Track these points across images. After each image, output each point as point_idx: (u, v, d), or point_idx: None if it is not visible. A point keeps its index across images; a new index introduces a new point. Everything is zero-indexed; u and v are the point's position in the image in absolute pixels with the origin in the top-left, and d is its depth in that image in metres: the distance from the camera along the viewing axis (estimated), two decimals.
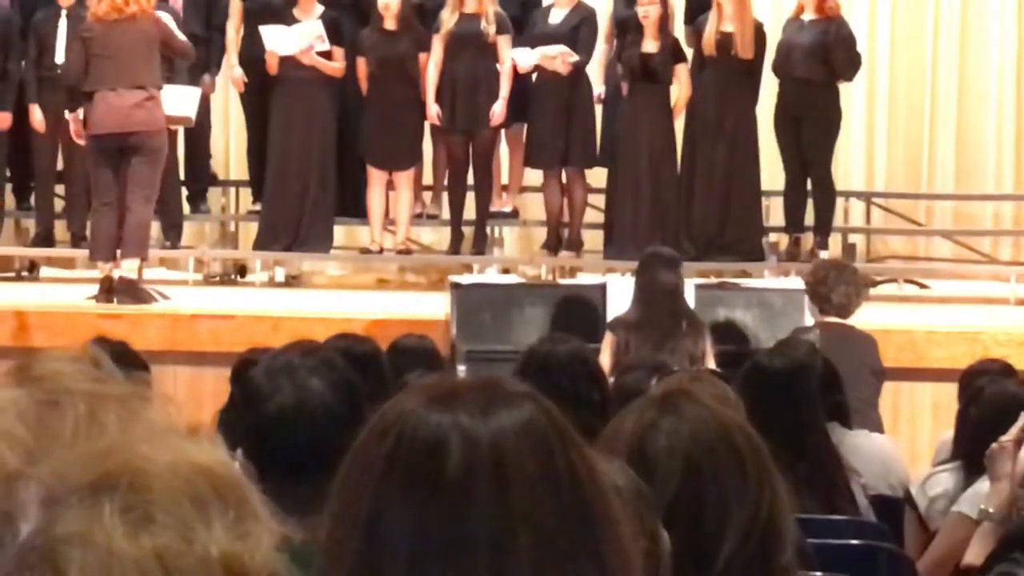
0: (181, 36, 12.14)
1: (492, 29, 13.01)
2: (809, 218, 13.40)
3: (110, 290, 11.51)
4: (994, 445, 5.40)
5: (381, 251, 13.45)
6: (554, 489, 1.77)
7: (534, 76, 13.13)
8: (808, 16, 13.19)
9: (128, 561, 1.02)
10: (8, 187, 13.75)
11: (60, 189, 13.56)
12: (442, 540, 1.72)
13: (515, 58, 12.99)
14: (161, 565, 1.03)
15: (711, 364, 8.92)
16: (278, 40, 13.03)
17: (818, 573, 4.31)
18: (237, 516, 1.08)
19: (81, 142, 11.74)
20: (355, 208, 13.49)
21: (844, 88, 13.48)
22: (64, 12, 12.82)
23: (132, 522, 1.04)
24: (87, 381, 1.10)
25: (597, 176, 13.46)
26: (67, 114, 11.90)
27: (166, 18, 12.12)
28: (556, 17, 13.24)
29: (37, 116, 13.10)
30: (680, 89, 13.09)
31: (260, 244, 13.58)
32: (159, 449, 1.08)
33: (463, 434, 1.76)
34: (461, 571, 1.71)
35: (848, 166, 14.36)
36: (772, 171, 13.44)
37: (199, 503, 1.06)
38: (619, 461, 2.55)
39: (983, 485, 5.54)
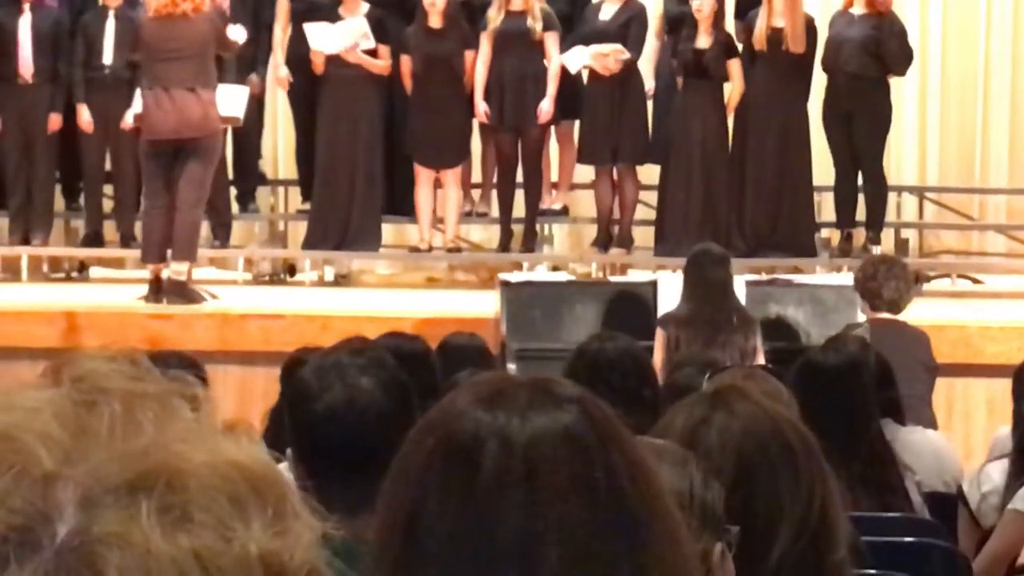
0: (236, 34, 12.22)
1: (539, 26, 13.03)
2: (861, 213, 13.39)
3: (160, 290, 11.56)
4: None
5: (430, 249, 13.49)
6: (589, 498, 1.75)
7: (585, 73, 13.12)
8: (858, 10, 13.19)
9: (166, 561, 1.01)
10: (58, 188, 13.80)
11: (108, 189, 13.58)
12: (472, 546, 1.71)
13: (565, 62, 13.02)
14: (200, 564, 1.02)
15: (761, 360, 8.93)
16: (323, 38, 13.08)
17: (872, 571, 4.30)
18: (276, 514, 1.07)
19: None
20: (404, 206, 13.53)
21: (895, 82, 13.48)
22: (112, 13, 12.86)
23: (170, 522, 1.03)
24: (124, 380, 1.09)
25: (648, 172, 13.46)
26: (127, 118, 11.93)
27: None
28: (606, 14, 13.25)
29: (85, 117, 13.13)
30: (733, 85, 13.10)
31: (309, 243, 13.62)
32: (196, 448, 1.07)
33: (500, 436, 1.74)
34: (489, 572, 1.70)
35: (900, 161, 14.34)
36: (823, 166, 13.41)
37: (237, 501, 1.05)
38: (678, 466, 2.52)
39: None
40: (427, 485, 1.75)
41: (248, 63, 13.34)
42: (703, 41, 12.96)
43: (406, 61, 13.23)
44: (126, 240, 13.04)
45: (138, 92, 11.62)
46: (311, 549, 1.08)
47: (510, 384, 1.85)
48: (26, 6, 13.21)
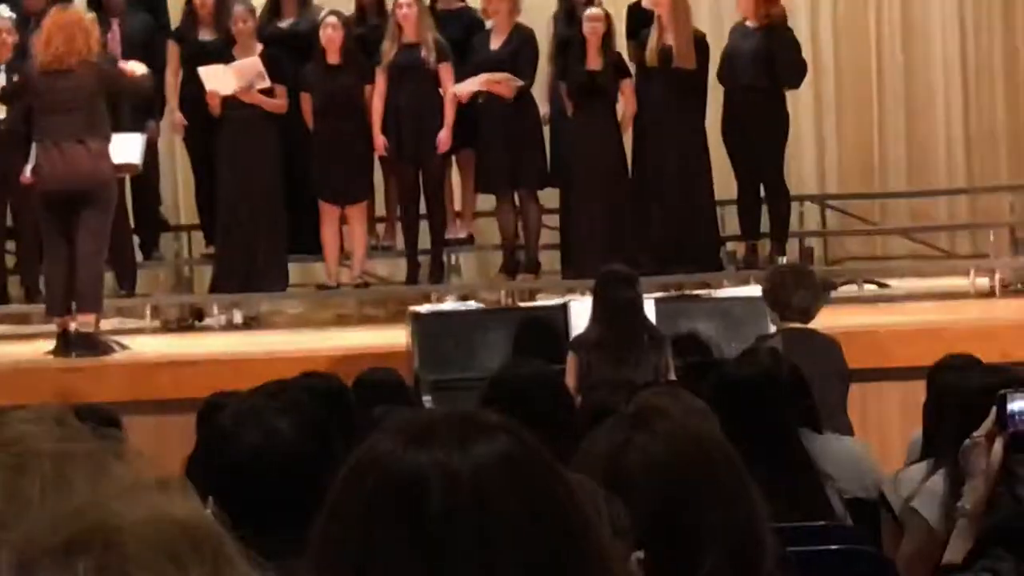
0: (135, 68, 12.16)
1: (432, 58, 13.07)
2: (764, 225, 13.46)
3: (68, 343, 11.49)
4: (967, 442, 5.41)
5: (338, 286, 13.49)
6: (537, 520, 1.76)
7: (480, 100, 13.14)
8: (752, 23, 13.26)
9: None
10: None
11: (11, 245, 13.51)
12: None
13: (459, 89, 13.05)
14: None
15: (672, 377, 8.95)
16: (218, 80, 13.07)
17: None
18: (214, 567, 1.07)
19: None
20: (310, 244, 13.50)
21: (792, 93, 13.53)
22: (4, 66, 12.80)
23: None
24: (53, 441, 1.09)
25: (550, 196, 13.47)
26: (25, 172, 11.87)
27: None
28: (496, 42, 13.30)
29: None
30: (625, 104, 13.17)
31: (215, 287, 13.59)
32: (131, 505, 1.07)
33: (443, 471, 1.75)
34: None
35: (800, 170, 14.43)
36: (724, 180, 13.46)
37: (175, 558, 1.06)
38: (591, 483, 2.53)
39: (941, 481, 5.59)
40: (371, 532, 1.74)
41: (144, 110, 13.31)
42: (594, 63, 13.01)
43: (306, 99, 13.22)
44: (31, 295, 12.94)
45: (34, 146, 11.55)
46: None
47: (437, 420, 1.86)
48: None
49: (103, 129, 11.47)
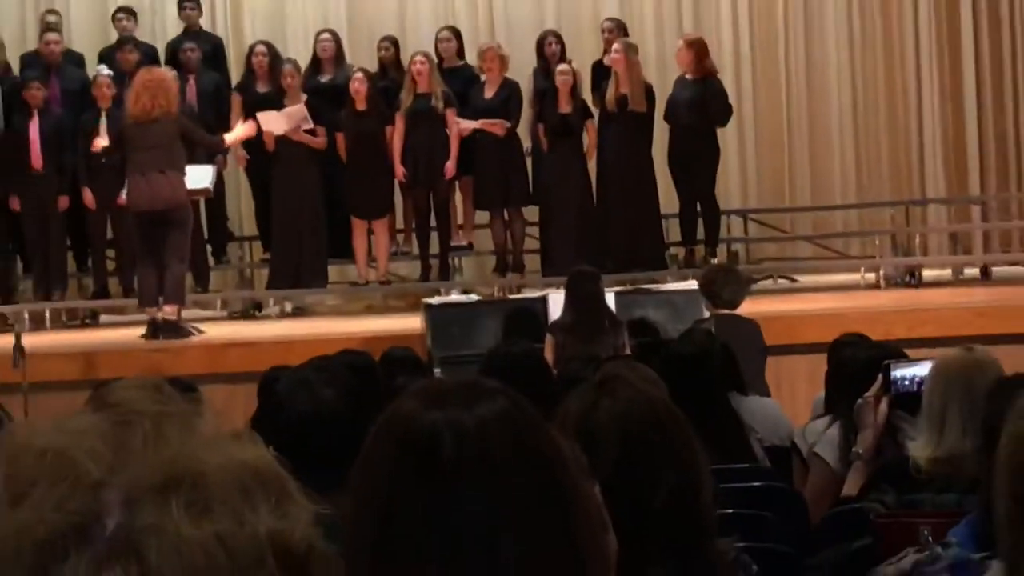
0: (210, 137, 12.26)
1: (440, 105, 13.09)
2: (700, 233, 13.48)
3: (157, 329, 11.50)
4: (859, 401, 5.42)
5: (367, 283, 13.53)
6: (530, 466, 1.76)
7: (477, 136, 13.15)
8: (688, 75, 13.29)
9: (194, 544, 1.02)
10: (70, 254, 13.74)
11: (108, 252, 13.55)
12: (441, 523, 1.71)
13: (462, 127, 13.10)
14: (221, 545, 1.03)
15: (627, 353, 8.96)
16: (272, 123, 13.09)
17: (730, 510, 4.32)
18: (278, 500, 1.08)
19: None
20: (344, 250, 13.50)
21: (721, 129, 13.57)
22: (104, 111, 12.82)
23: (195, 513, 1.04)
24: (151, 403, 1.09)
25: (531, 212, 13.50)
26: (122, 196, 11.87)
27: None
28: (489, 92, 13.34)
29: (88, 197, 13.10)
30: (590, 140, 13.19)
31: (271, 285, 13.61)
32: (212, 453, 1.08)
33: (453, 426, 1.75)
34: (459, 542, 1.70)
35: (727, 190, 14.37)
36: (669, 198, 13.47)
37: (247, 493, 1.06)
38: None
39: (838, 433, 5.60)
40: (396, 478, 1.74)
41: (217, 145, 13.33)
42: (565, 107, 13.04)
43: (340, 137, 13.24)
44: (127, 292, 12.94)
45: (127, 176, 11.58)
46: (309, 527, 1.08)
47: (448, 386, 1.87)
48: (35, 111, 13.17)
49: (180, 163, 11.49)
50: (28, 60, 14.15)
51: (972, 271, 13.82)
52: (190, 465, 1.05)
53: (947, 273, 13.79)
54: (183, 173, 11.51)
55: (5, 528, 1.01)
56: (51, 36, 13.99)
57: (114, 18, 14.40)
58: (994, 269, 13.86)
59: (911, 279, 13.35)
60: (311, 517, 1.08)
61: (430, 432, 1.75)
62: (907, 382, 5.34)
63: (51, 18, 14.41)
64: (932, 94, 15.26)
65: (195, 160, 12.28)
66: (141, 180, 11.32)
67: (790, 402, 8.06)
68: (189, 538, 1.01)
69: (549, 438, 1.81)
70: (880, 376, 5.38)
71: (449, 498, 1.71)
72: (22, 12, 15.34)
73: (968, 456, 4.35)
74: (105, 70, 13.47)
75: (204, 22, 14.56)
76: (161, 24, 14.89)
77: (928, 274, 13.58)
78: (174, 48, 14.01)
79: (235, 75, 14.22)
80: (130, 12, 14.34)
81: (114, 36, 14.27)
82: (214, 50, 14.34)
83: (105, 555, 1.00)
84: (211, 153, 13.02)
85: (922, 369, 5.27)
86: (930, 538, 3.24)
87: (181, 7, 14.36)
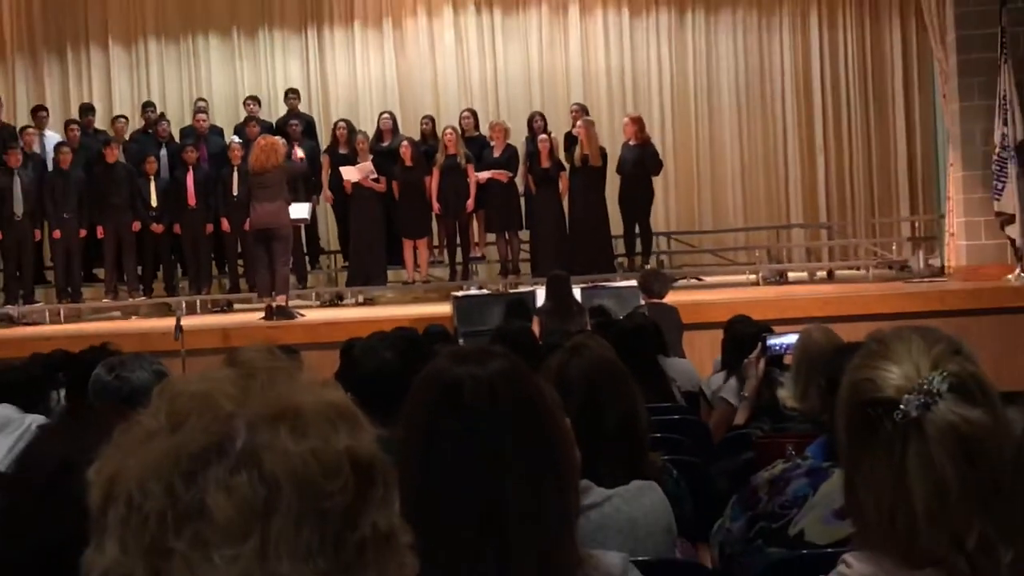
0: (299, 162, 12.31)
1: (463, 161, 13.08)
2: (638, 248, 13.47)
3: (271, 313, 11.50)
4: (746, 360, 5.42)
5: (413, 282, 13.48)
6: (524, 405, 1.76)
7: (487, 184, 13.13)
8: (632, 141, 13.28)
9: (296, 456, 1.01)
10: (213, 263, 13.77)
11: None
12: (467, 441, 1.71)
13: (478, 177, 13.07)
14: (314, 456, 1.02)
15: (588, 328, 8.95)
16: (349, 174, 13.13)
17: (658, 434, 4.32)
18: (352, 427, 1.08)
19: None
20: (398, 260, 13.48)
21: (655, 178, 13.55)
22: (235, 167, 12.83)
23: (296, 435, 1.03)
24: (267, 361, 1.09)
25: (524, 234, 13.51)
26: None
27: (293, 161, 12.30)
28: (496, 152, 13.34)
29: (225, 224, 13.13)
30: (562, 185, 13.17)
31: (349, 283, 13.59)
32: (307, 394, 1.08)
33: (471, 377, 1.75)
34: (479, 460, 1.70)
35: (656, 218, 14.32)
36: (617, 225, 13.47)
37: (331, 421, 1.06)
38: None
39: (732, 382, 5.61)
40: (433, 413, 1.75)
41: (310, 190, 13.36)
42: (545, 163, 13.04)
43: (395, 184, 13.22)
44: (251, 288, 12.95)
45: (251, 205, 11.60)
46: (373, 445, 1.08)
47: (468, 350, 1.88)
48: (191, 167, 13.19)
49: (284, 198, 11.53)
50: (185, 131, 14.17)
51: (821, 274, 13.83)
52: (292, 402, 1.04)
53: (804, 275, 13.79)
54: (287, 204, 11.54)
55: (168, 445, 1.01)
56: (201, 116, 14.02)
57: (244, 103, 14.42)
58: (836, 272, 13.88)
59: (780, 279, 13.36)
60: (374, 438, 1.08)
61: (456, 381, 1.75)
62: (777, 347, 5.34)
63: (201, 103, 14.44)
64: (793, 151, 15.31)
65: (298, 199, 12.31)
66: (258, 208, 11.36)
67: (699, 362, 8.06)
68: (292, 452, 1.01)
69: (537, 385, 1.81)
70: (759, 344, 5.38)
71: (469, 425, 1.72)
72: (180, 98, 15.37)
73: (815, 400, 4.37)
74: (237, 138, 13.48)
75: (301, 107, 14.58)
76: (275, 107, 14.89)
77: (792, 276, 13.60)
78: (282, 124, 14.02)
79: (323, 142, 14.22)
80: (255, 99, 14.39)
81: (243, 115, 14.28)
82: (309, 125, 14.36)
83: (235, 464, 1.00)
84: (309, 194, 13.05)
85: (787, 339, 5.28)
86: (793, 453, 3.24)
87: (287, 97, 14.41)
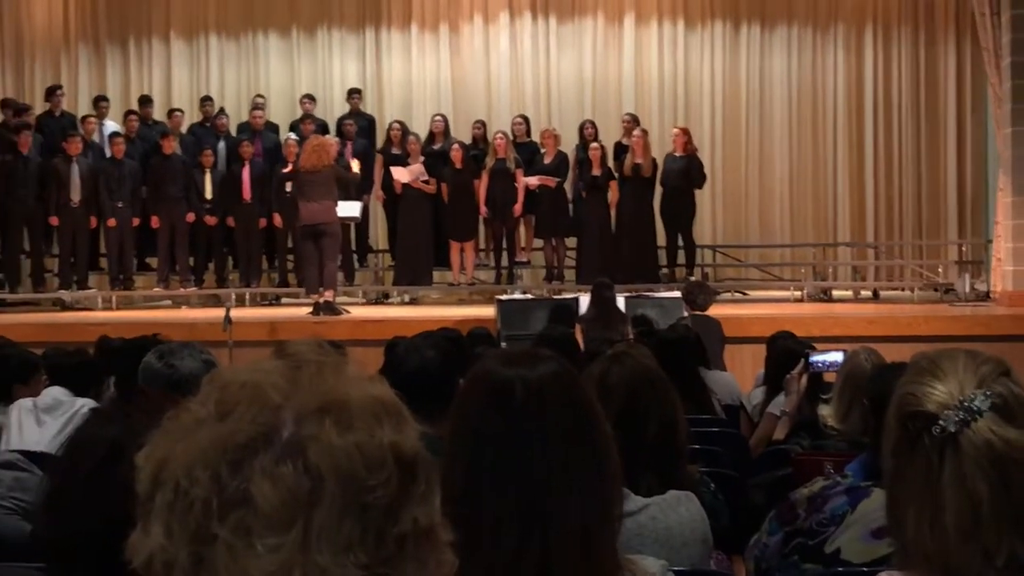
0: (349, 171, 12.30)
1: (513, 165, 13.09)
2: (681, 259, 13.43)
3: (318, 309, 11.54)
4: (787, 376, 5.38)
5: (459, 284, 13.49)
6: (572, 408, 1.76)
7: (537, 189, 13.12)
8: (678, 152, 13.24)
9: (340, 449, 1.02)
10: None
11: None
12: (515, 441, 1.71)
13: (527, 182, 13.04)
14: (358, 450, 1.02)
15: (630, 338, 8.92)
16: (400, 174, 13.16)
17: (697, 445, 4.30)
18: (397, 422, 1.07)
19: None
20: (444, 261, 13.50)
21: (699, 190, 13.51)
22: (289, 163, 12.89)
23: (341, 428, 1.03)
24: (315, 355, 1.09)
25: (571, 240, 13.49)
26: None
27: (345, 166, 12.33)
28: (547, 159, 13.34)
29: (277, 219, 13.23)
30: (611, 193, 13.12)
31: (396, 282, 13.61)
32: (354, 388, 1.08)
33: (521, 380, 1.75)
34: (526, 460, 1.70)
35: (701, 231, 14.33)
36: (662, 235, 13.43)
37: (376, 416, 1.06)
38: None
39: (779, 398, 5.55)
40: (482, 413, 1.74)
41: (362, 189, 13.39)
42: (596, 171, 13.02)
43: (444, 186, 13.22)
44: (300, 283, 13.00)
45: (299, 203, 11.67)
46: (417, 442, 1.08)
47: (518, 352, 1.87)
48: (246, 161, 13.29)
49: (333, 196, 11.53)
50: (241, 127, 14.28)
51: (866, 293, 13.70)
52: (339, 396, 1.04)
53: (849, 294, 13.67)
54: (335, 203, 11.58)
55: (216, 434, 1.01)
56: (257, 112, 14.12)
57: (300, 100, 14.50)
58: (881, 292, 13.76)
59: (825, 296, 13.26)
60: (418, 434, 1.08)
61: (506, 382, 1.75)
62: (820, 365, 5.31)
63: (258, 100, 14.55)
64: (842, 169, 15.22)
65: (349, 198, 12.35)
66: (308, 205, 11.41)
67: (740, 375, 8.01)
68: (337, 445, 1.01)
69: (584, 389, 1.81)
70: (802, 360, 5.34)
71: (517, 427, 1.71)
72: (238, 93, 15.49)
73: (856, 420, 4.34)
74: (292, 135, 13.56)
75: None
76: (330, 105, 14.96)
77: (836, 294, 13.48)
78: (340, 122, 14.11)
79: (378, 142, 14.28)
80: (310, 97, 14.48)
81: (299, 112, 14.37)
82: (369, 124, 14.43)
83: (281, 454, 1.00)
84: (360, 193, 13.12)
85: (830, 357, 5.24)
86: (831, 470, 3.21)
87: (350, 96, 14.50)
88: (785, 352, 5.91)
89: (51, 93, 14.13)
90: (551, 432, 1.71)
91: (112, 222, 13.10)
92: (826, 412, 4.86)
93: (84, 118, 13.82)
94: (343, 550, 0.98)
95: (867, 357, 4.68)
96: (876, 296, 13.58)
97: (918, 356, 1.75)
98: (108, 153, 13.36)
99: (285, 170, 12.39)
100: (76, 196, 12.89)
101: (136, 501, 1.02)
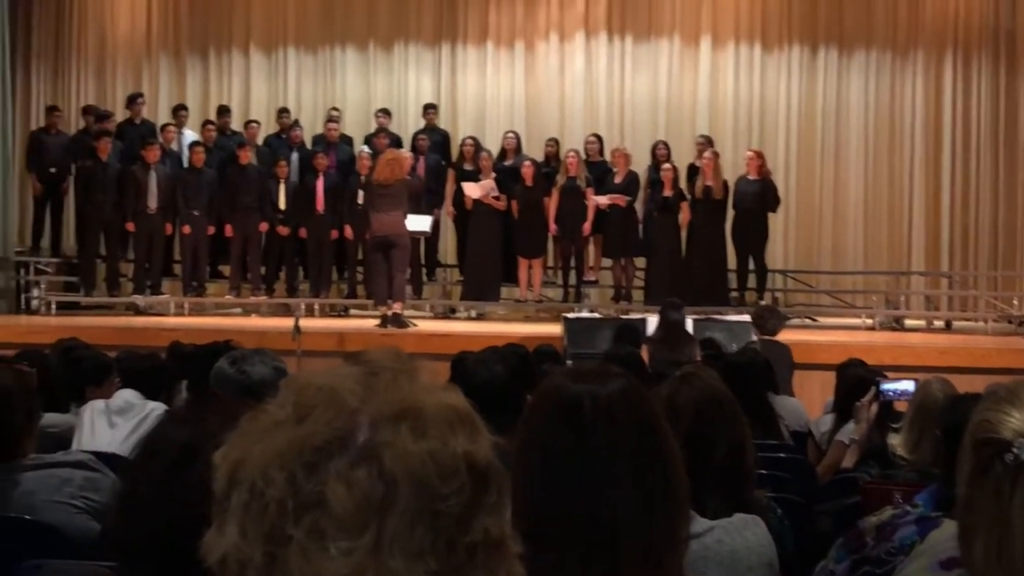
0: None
1: (583, 184, 13.09)
2: (752, 283, 13.33)
3: (386, 321, 11.60)
4: (857, 403, 5.32)
5: (526, 301, 13.50)
6: (641, 426, 1.75)
7: (607, 208, 13.11)
8: (751, 175, 13.16)
9: (414, 455, 1.03)
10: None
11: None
12: (583, 457, 1.71)
13: (597, 201, 13.02)
14: (432, 457, 1.03)
15: (698, 360, 8.87)
16: (472, 190, 13.20)
17: (764, 470, 4.26)
18: (470, 431, 1.08)
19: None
20: (512, 278, 13.51)
21: (772, 214, 13.43)
22: (362, 176, 13.00)
23: (416, 435, 1.04)
24: (391, 362, 1.10)
25: (640, 261, 13.43)
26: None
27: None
28: (618, 179, 13.29)
29: (348, 231, 13.32)
30: (683, 215, 13.08)
31: (464, 297, 13.65)
32: (429, 396, 1.09)
33: (591, 395, 1.75)
34: (594, 476, 1.70)
35: (773, 255, 14.22)
36: (732, 258, 13.34)
37: (450, 424, 1.07)
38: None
39: (849, 425, 5.49)
40: (551, 428, 1.75)
41: (434, 202, 13.46)
42: (667, 192, 12.98)
43: (514, 203, 13.25)
44: (369, 295, 13.09)
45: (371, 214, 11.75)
46: (490, 452, 1.08)
47: (587, 368, 1.87)
48: (320, 173, 13.41)
49: (403, 208, 11.61)
50: (317, 139, 14.42)
51: (939, 323, 13.51)
52: (414, 403, 1.05)
53: (922, 323, 13.49)
54: (405, 215, 11.63)
55: (293, 436, 1.03)
56: (332, 124, 14.25)
57: (375, 114, 14.62)
58: (954, 323, 13.56)
59: (896, 325, 13.10)
60: (491, 444, 1.09)
61: (575, 398, 1.75)
62: (890, 393, 5.26)
63: (333, 112, 14.66)
64: (918, 198, 15.04)
65: (420, 212, 12.43)
66: (379, 217, 11.48)
67: (808, 402, 7.94)
68: (411, 451, 1.02)
69: (652, 408, 1.81)
70: (872, 388, 5.28)
71: (586, 443, 1.71)
72: (314, 106, 15.66)
73: (927, 451, 4.29)
74: (366, 149, 13.67)
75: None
76: (404, 119, 15.06)
77: (908, 323, 13.31)
78: (415, 136, 14.20)
79: (452, 157, 14.35)
80: (385, 111, 14.58)
81: (374, 126, 14.48)
82: (443, 139, 14.50)
83: (356, 458, 1.01)
84: (431, 208, 13.18)
85: (901, 386, 5.20)
86: (901, 500, 3.17)
87: (425, 111, 14.58)
88: (855, 379, 5.85)
89: (132, 101, 14.38)
90: (619, 449, 1.71)
91: (187, 229, 13.29)
92: (896, 441, 4.80)
93: (164, 126, 14.05)
94: (415, 556, 0.99)
95: (940, 387, 4.62)
96: (949, 327, 13.39)
97: (995, 386, 1.74)
98: (186, 162, 13.56)
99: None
100: (153, 203, 13.10)
101: (212, 501, 1.04)
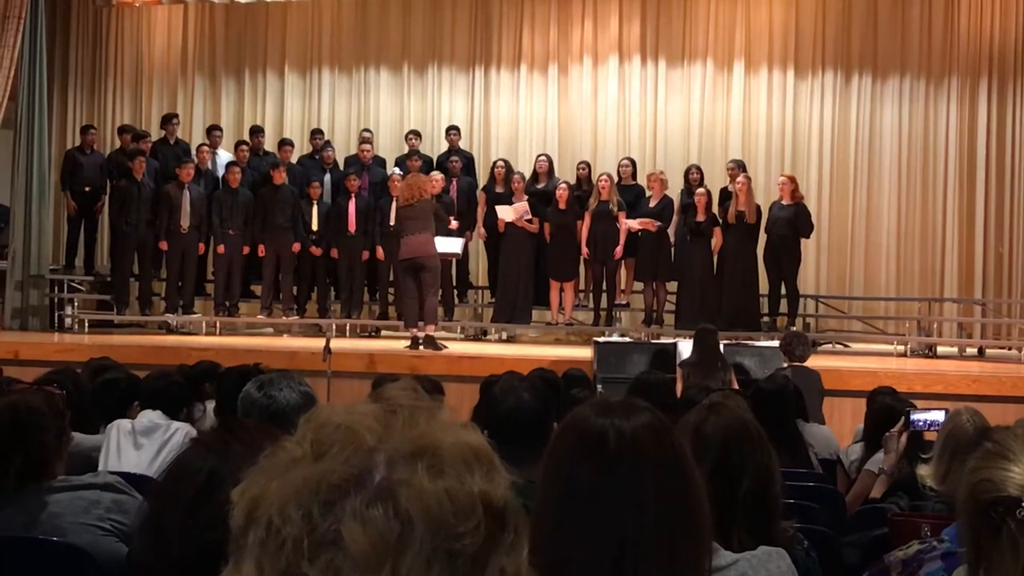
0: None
1: (615, 208, 13.08)
2: (783, 308, 13.27)
3: (416, 343, 11.61)
4: (887, 433, 5.28)
5: (557, 324, 13.49)
6: (667, 461, 1.75)
7: (639, 232, 13.09)
8: (785, 200, 13.11)
9: (431, 494, 1.02)
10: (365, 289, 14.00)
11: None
12: (607, 491, 1.70)
13: (628, 224, 13.03)
14: (448, 496, 1.03)
15: (734, 386, 8.82)
16: (504, 213, 13.22)
17: (791, 500, 4.23)
18: (488, 470, 1.08)
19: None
20: (543, 300, 13.51)
21: (804, 240, 13.37)
22: (395, 198, 13.04)
23: (432, 473, 1.04)
24: (409, 399, 1.10)
25: (672, 285, 13.40)
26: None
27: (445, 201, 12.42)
28: (652, 203, 13.30)
29: (380, 252, 13.38)
30: (715, 239, 13.05)
31: (494, 319, 13.65)
32: (446, 434, 1.08)
33: (615, 429, 1.75)
34: (617, 511, 1.70)
35: (805, 280, 14.14)
36: (764, 283, 13.29)
37: (467, 463, 1.06)
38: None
39: (879, 455, 5.45)
40: (575, 462, 1.74)
41: (465, 226, 13.50)
42: (700, 216, 12.95)
43: (547, 226, 13.28)
44: (399, 316, 13.11)
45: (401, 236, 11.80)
46: (507, 490, 1.08)
47: (613, 402, 1.87)
48: (352, 194, 13.46)
49: (431, 230, 11.64)
50: (349, 160, 14.50)
51: (972, 351, 13.40)
52: (431, 441, 1.05)
53: (954, 351, 13.38)
54: (434, 236, 11.66)
55: (310, 473, 1.03)
56: (365, 146, 14.33)
57: (406, 136, 14.68)
58: (988, 351, 13.45)
59: (929, 352, 13.00)
60: (508, 483, 1.09)
61: (600, 432, 1.75)
62: (920, 423, 5.21)
63: (366, 134, 14.74)
64: (952, 224, 14.92)
65: (451, 235, 12.46)
66: (406, 239, 11.53)
67: (838, 430, 7.89)
68: (428, 490, 1.01)
69: (677, 442, 1.81)
70: (903, 418, 5.25)
71: (610, 477, 1.71)
72: (348, 127, 15.74)
73: (957, 482, 4.25)
74: (398, 171, 13.73)
75: (462, 144, 14.76)
76: (437, 142, 15.12)
77: (941, 350, 13.20)
78: (443, 159, 14.23)
79: (481, 179, 14.38)
80: (416, 133, 14.63)
81: (405, 148, 14.54)
82: (469, 162, 14.53)
83: (372, 497, 1.01)
84: (463, 230, 13.20)
85: (931, 416, 5.15)
86: (929, 533, 3.14)
87: (448, 133, 14.60)
88: (885, 409, 5.81)
89: (167, 121, 14.51)
90: (643, 483, 1.71)
91: (221, 249, 13.37)
92: (925, 472, 4.76)
93: (199, 147, 14.15)
94: None
95: (969, 418, 4.58)
96: (982, 354, 13.28)
97: (984, 440, 1.75)
98: (221, 182, 13.66)
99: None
100: (186, 222, 13.19)
101: (229, 537, 1.04)
